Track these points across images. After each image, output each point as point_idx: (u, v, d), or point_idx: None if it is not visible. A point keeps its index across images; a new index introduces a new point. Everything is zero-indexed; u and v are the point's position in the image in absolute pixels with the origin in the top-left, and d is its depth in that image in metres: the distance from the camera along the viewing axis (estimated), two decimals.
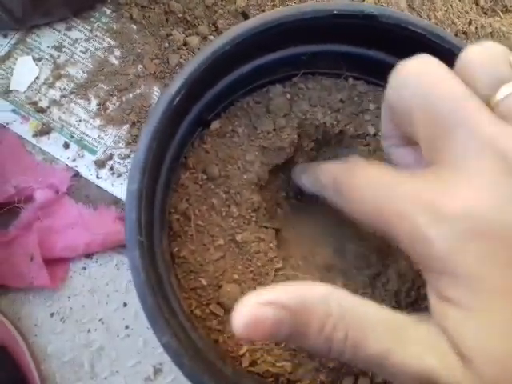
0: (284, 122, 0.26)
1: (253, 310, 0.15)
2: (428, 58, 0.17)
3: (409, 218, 0.16)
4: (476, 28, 0.38)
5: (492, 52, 0.16)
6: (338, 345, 0.16)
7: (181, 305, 0.22)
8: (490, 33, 0.39)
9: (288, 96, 0.26)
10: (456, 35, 0.37)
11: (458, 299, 0.15)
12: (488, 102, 0.16)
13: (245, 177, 0.25)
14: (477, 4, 0.40)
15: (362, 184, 0.18)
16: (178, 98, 0.21)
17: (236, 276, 0.23)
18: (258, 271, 0.23)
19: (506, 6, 0.42)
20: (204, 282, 0.23)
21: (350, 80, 0.26)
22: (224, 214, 0.24)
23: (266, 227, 0.25)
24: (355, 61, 0.26)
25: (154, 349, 0.32)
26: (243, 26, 0.23)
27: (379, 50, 0.25)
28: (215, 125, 0.26)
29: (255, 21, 0.23)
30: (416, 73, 0.17)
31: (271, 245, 0.24)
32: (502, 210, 0.14)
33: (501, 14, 0.41)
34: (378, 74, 0.26)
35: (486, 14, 0.41)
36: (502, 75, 0.16)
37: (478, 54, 0.17)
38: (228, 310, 0.22)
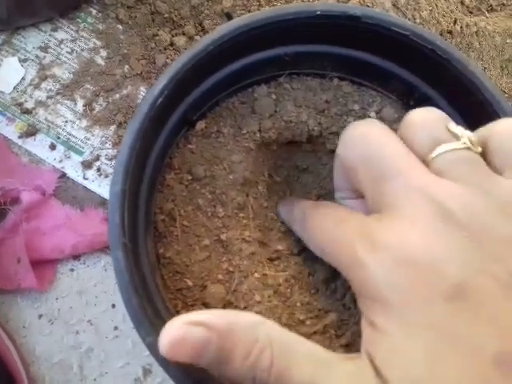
0: (270, 124, 0.26)
1: (180, 328, 0.16)
2: (373, 122, 0.20)
3: (349, 244, 0.18)
4: (461, 27, 0.38)
5: (431, 116, 0.19)
6: (262, 374, 0.16)
7: (166, 306, 0.22)
8: (476, 32, 0.39)
9: (273, 96, 0.26)
10: (441, 34, 0.37)
11: (385, 327, 0.16)
12: (424, 160, 0.18)
13: (230, 177, 0.25)
14: (462, 3, 0.40)
15: (321, 216, 0.21)
16: (161, 99, 0.21)
17: (220, 276, 0.23)
18: (242, 270, 0.23)
19: (491, 5, 0.42)
20: (190, 283, 0.23)
21: (335, 80, 0.27)
22: (210, 214, 0.24)
23: (252, 226, 0.25)
24: (340, 61, 0.26)
25: (142, 350, 0.32)
26: (227, 27, 0.23)
27: (364, 50, 0.26)
28: (200, 125, 0.26)
29: (239, 21, 0.23)
30: (361, 134, 0.19)
31: (256, 244, 0.24)
32: (433, 246, 0.16)
33: (486, 13, 0.42)
34: (363, 75, 0.26)
35: (471, 13, 0.41)
36: (438, 137, 0.18)
37: (419, 117, 0.19)
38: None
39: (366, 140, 0.19)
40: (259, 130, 0.26)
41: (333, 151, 0.27)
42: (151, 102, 0.21)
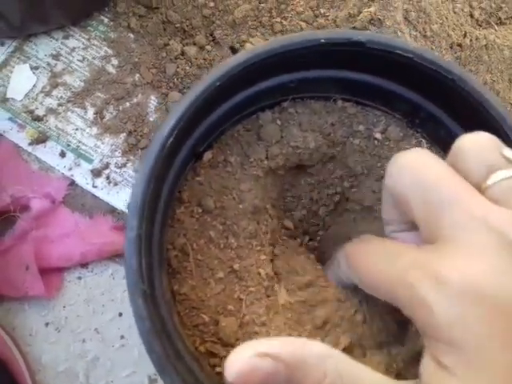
0: (278, 150, 0.26)
1: (248, 360, 0.16)
2: (420, 149, 0.19)
3: (409, 282, 0.16)
4: (471, 40, 0.39)
5: (483, 141, 0.18)
6: None
7: (185, 343, 0.21)
8: (485, 45, 0.39)
9: (278, 122, 0.26)
10: (451, 47, 0.37)
11: (453, 369, 0.15)
12: (479, 187, 0.17)
13: (240, 206, 0.25)
14: (471, 16, 0.41)
15: (368, 251, 0.20)
16: (171, 139, 0.21)
17: (231, 307, 0.23)
18: (251, 299, 0.23)
19: (500, 18, 0.42)
20: (206, 318, 0.22)
21: (339, 102, 0.26)
22: (222, 245, 0.24)
23: (265, 253, 0.25)
24: (344, 84, 0.26)
25: (149, 359, 0.32)
26: (232, 61, 0.22)
27: (367, 73, 0.25)
28: (207, 156, 0.25)
29: (244, 55, 0.23)
30: (410, 163, 0.18)
31: (268, 270, 0.24)
32: (499, 281, 0.15)
33: (495, 26, 0.42)
34: (367, 96, 0.26)
35: (480, 26, 0.41)
36: (491, 164, 0.17)
37: (470, 143, 0.18)
38: (226, 345, 0.22)
39: (415, 166, 0.18)
40: (266, 157, 0.26)
41: (336, 173, 0.27)
42: (162, 143, 0.21)
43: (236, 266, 0.24)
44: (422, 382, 0.16)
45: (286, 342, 0.17)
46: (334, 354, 0.17)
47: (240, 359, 0.16)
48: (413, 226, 0.20)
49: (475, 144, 0.18)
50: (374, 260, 0.19)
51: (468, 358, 0.15)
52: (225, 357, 0.22)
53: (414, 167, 0.18)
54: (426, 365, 0.16)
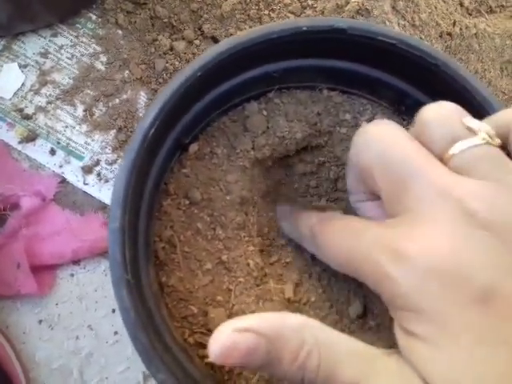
0: (264, 141, 0.25)
1: (230, 336, 0.16)
2: (385, 121, 0.19)
3: (373, 258, 0.17)
4: (460, 29, 0.38)
5: (446, 111, 0.18)
6: (310, 374, 0.16)
7: (173, 335, 0.21)
8: (475, 34, 0.39)
9: (264, 113, 0.26)
10: (441, 36, 0.37)
11: (423, 334, 0.16)
12: (441, 157, 0.17)
13: (228, 198, 0.25)
14: (461, 5, 0.40)
15: (334, 231, 0.20)
16: (152, 130, 0.21)
17: (220, 297, 0.23)
18: (241, 289, 0.23)
19: (490, 6, 0.42)
20: (194, 310, 0.22)
21: (325, 91, 0.26)
22: (210, 237, 0.24)
23: (254, 244, 0.25)
24: (329, 73, 0.26)
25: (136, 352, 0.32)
26: (213, 51, 0.22)
27: (352, 61, 0.25)
28: (193, 148, 0.25)
29: (224, 44, 0.23)
30: (375, 136, 0.19)
31: (258, 260, 0.24)
32: (458, 250, 0.15)
33: (486, 14, 0.42)
34: (353, 84, 0.26)
35: (470, 14, 0.41)
36: (454, 133, 0.17)
37: (433, 114, 0.18)
38: None
39: (381, 140, 0.18)
40: (253, 148, 0.25)
41: (324, 162, 0.27)
42: (143, 135, 0.21)
43: (224, 258, 0.24)
44: (402, 353, 0.17)
45: (264, 316, 0.17)
46: (310, 323, 0.17)
47: (221, 336, 0.16)
48: (374, 196, 0.20)
49: (438, 114, 0.18)
50: (340, 239, 0.20)
51: (437, 323, 0.15)
52: None
53: (380, 140, 0.18)
54: (399, 336, 0.17)
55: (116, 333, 0.33)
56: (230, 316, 0.23)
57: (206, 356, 0.22)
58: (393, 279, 0.16)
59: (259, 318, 0.17)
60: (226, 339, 0.16)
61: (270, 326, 0.17)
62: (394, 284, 0.16)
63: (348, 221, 0.20)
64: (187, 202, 0.24)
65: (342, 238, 0.20)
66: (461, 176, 0.17)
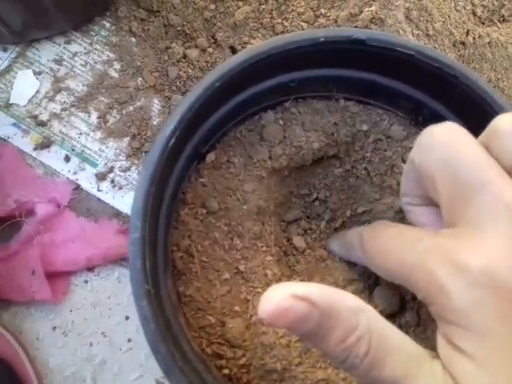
0: (281, 151, 0.25)
1: (285, 300, 0.15)
2: (455, 126, 0.18)
3: (427, 268, 0.16)
4: (474, 38, 0.38)
5: None
6: (354, 359, 0.16)
7: (191, 345, 0.21)
8: (488, 43, 0.39)
9: (281, 122, 0.26)
10: (454, 46, 0.37)
11: (470, 352, 0.15)
12: (509, 170, 0.16)
13: (245, 207, 0.25)
14: (474, 14, 0.40)
15: (386, 237, 0.20)
16: (172, 141, 0.21)
17: (237, 308, 0.23)
18: (258, 299, 0.23)
19: (503, 15, 0.42)
20: (212, 320, 0.22)
21: (342, 101, 0.26)
22: (227, 247, 0.24)
23: (271, 254, 0.24)
24: (346, 83, 0.26)
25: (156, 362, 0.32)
26: (232, 62, 0.22)
27: (369, 71, 0.25)
28: (210, 157, 0.25)
29: (243, 55, 0.23)
30: (442, 139, 0.17)
31: (275, 270, 0.24)
32: None
33: (498, 23, 0.42)
34: (369, 94, 0.26)
35: (483, 23, 0.41)
36: None
37: (506, 125, 0.17)
38: (234, 347, 0.22)
39: (447, 143, 0.17)
40: (270, 158, 0.25)
41: (347, 170, 0.27)
42: (163, 145, 0.21)
43: (242, 267, 0.24)
44: (442, 362, 0.16)
45: (323, 289, 0.16)
46: (368, 309, 0.17)
47: (276, 297, 0.16)
48: (430, 201, 0.19)
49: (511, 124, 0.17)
50: (391, 246, 0.19)
51: (487, 344, 0.15)
52: (232, 358, 0.22)
53: (446, 143, 0.17)
54: (443, 347, 0.16)
55: (129, 340, 0.33)
56: (248, 326, 0.22)
57: (224, 366, 0.22)
58: (447, 292, 0.16)
59: (318, 289, 0.16)
60: (281, 302, 0.15)
61: (327, 300, 0.16)
62: (447, 297, 0.16)
63: (402, 228, 0.20)
64: (204, 212, 0.24)
65: (395, 244, 0.19)
66: None
